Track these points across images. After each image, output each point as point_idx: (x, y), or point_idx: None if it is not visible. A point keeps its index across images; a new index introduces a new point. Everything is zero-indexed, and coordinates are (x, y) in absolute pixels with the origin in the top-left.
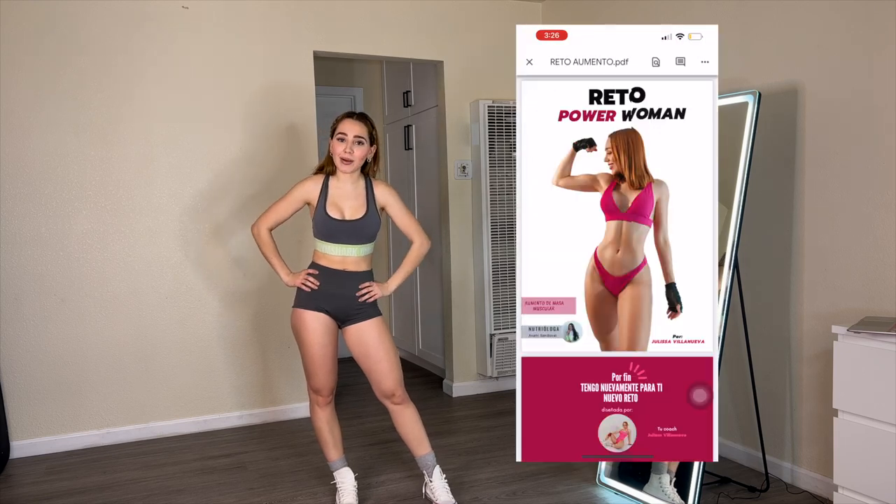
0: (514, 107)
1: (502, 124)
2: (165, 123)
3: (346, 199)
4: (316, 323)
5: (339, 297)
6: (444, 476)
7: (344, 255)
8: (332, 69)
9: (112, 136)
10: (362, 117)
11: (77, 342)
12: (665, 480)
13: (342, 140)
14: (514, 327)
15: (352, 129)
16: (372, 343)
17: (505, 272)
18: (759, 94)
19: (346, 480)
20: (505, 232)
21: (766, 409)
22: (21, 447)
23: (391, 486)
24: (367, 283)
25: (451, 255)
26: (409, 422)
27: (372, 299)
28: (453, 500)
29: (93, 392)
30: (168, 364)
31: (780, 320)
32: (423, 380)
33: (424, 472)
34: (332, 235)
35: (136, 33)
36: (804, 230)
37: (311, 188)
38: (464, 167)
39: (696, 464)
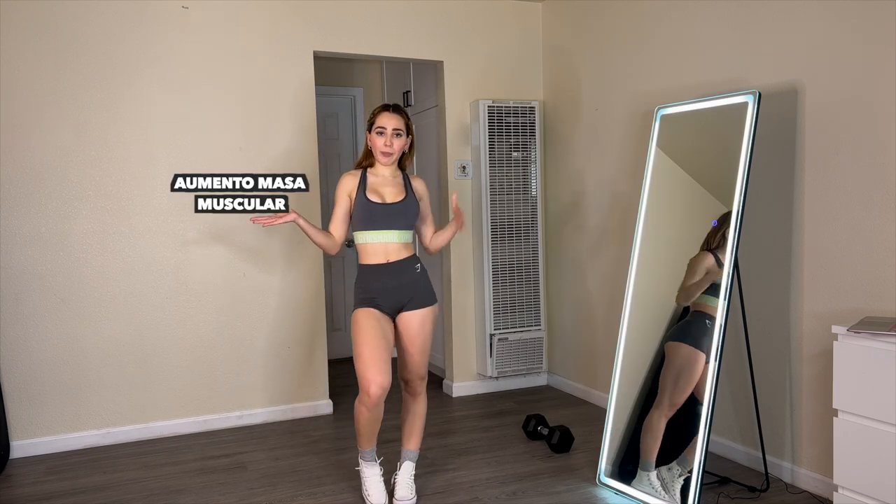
0: (514, 107)
1: (502, 124)
2: (165, 123)
3: (386, 186)
4: (369, 318)
5: (390, 291)
6: (413, 474)
7: (385, 242)
8: (332, 69)
9: (112, 136)
10: (398, 109)
11: (77, 342)
12: (653, 477)
13: (381, 134)
14: (514, 327)
15: (390, 122)
16: (413, 331)
17: (505, 272)
18: (759, 94)
19: (374, 474)
20: (505, 232)
21: (766, 409)
22: (21, 447)
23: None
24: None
25: (451, 255)
26: (411, 413)
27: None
28: (412, 497)
29: (93, 392)
30: (168, 364)
31: (780, 320)
32: None
33: (399, 461)
34: (373, 221)
35: (136, 33)
36: (804, 230)
37: (350, 182)
38: (464, 167)
39: (696, 464)
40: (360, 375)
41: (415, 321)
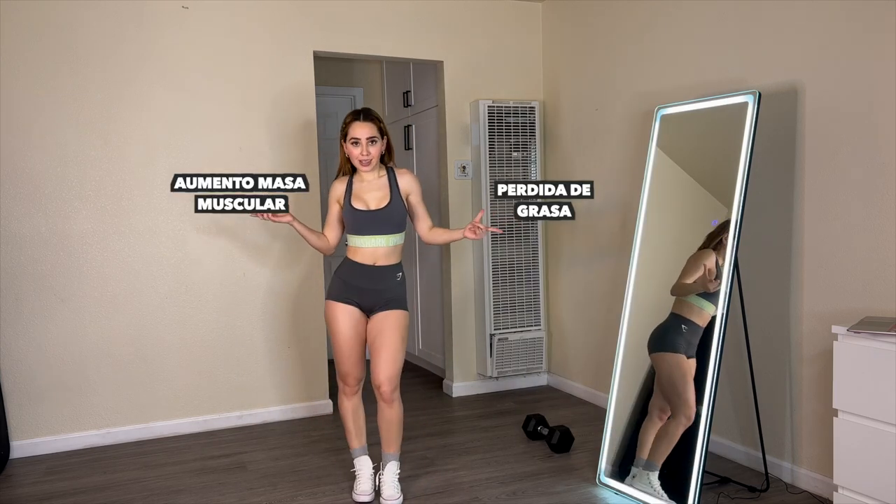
0: (514, 107)
1: (502, 124)
2: (165, 123)
3: (370, 192)
4: (345, 314)
5: (368, 292)
6: (398, 472)
7: (374, 247)
8: (332, 69)
9: (112, 136)
10: (368, 116)
11: (77, 342)
12: (654, 478)
13: (356, 144)
14: (514, 327)
15: (363, 131)
16: (386, 329)
17: (505, 272)
18: (759, 94)
19: (363, 468)
20: (505, 232)
21: (766, 409)
22: (21, 447)
23: None
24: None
25: (450, 255)
26: (385, 421)
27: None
28: (399, 496)
29: (93, 392)
30: (168, 364)
31: (780, 320)
32: (423, 380)
33: (382, 463)
34: (360, 227)
35: (136, 33)
36: (804, 230)
37: (339, 188)
38: (464, 167)
39: (695, 464)
40: (338, 369)
41: (388, 321)
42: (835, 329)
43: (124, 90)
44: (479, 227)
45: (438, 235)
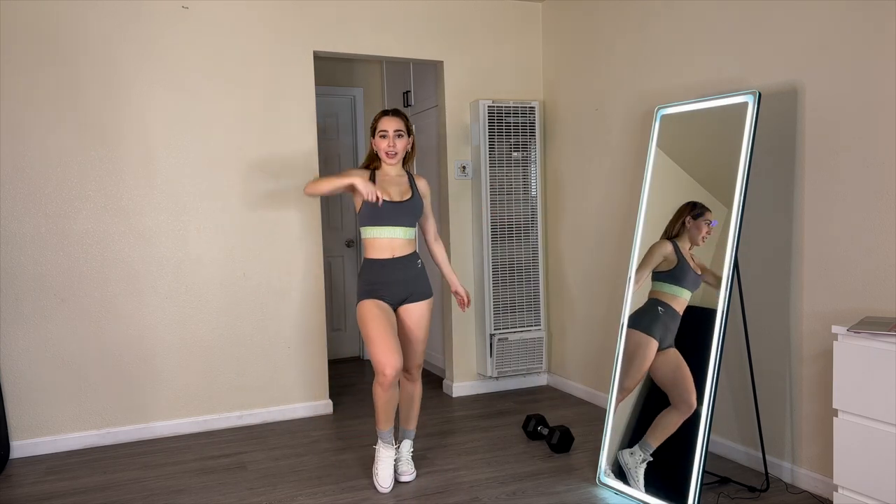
0: (514, 107)
1: (502, 124)
2: (165, 123)
3: (393, 185)
4: (376, 307)
5: (394, 284)
6: (412, 450)
7: (392, 237)
8: (332, 69)
9: (112, 137)
10: (397, 113)
11: (77, 342)
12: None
13: (384, 136)
14: (514, 327)
15: (391, 125)
16: (414, 322)
17: (505, 272)
18: (759, 94)
19: (386, 453)
20: (505, 232)
21: (766, 409)
22: (21, 447)
23: (397, 486)
24: (461, 297)
25: (451, 256)
26: (408, 397)
27: (468, 301)
28: (413, 472)
29: (93, 392)
30: (168, 364)
31: (780, 320)
32: (424, 380)
33: (399, 440)
34: (380, 217)
35: (135, 33)
36: (804, 230)
37: (361, 174)
38: (464, 167)
39: (695, 463)
40: (374, 360)
41: (416, 313)
42: (835, 329)
43: (124, 90)
44: (463, 302)
45: (440, 257)
